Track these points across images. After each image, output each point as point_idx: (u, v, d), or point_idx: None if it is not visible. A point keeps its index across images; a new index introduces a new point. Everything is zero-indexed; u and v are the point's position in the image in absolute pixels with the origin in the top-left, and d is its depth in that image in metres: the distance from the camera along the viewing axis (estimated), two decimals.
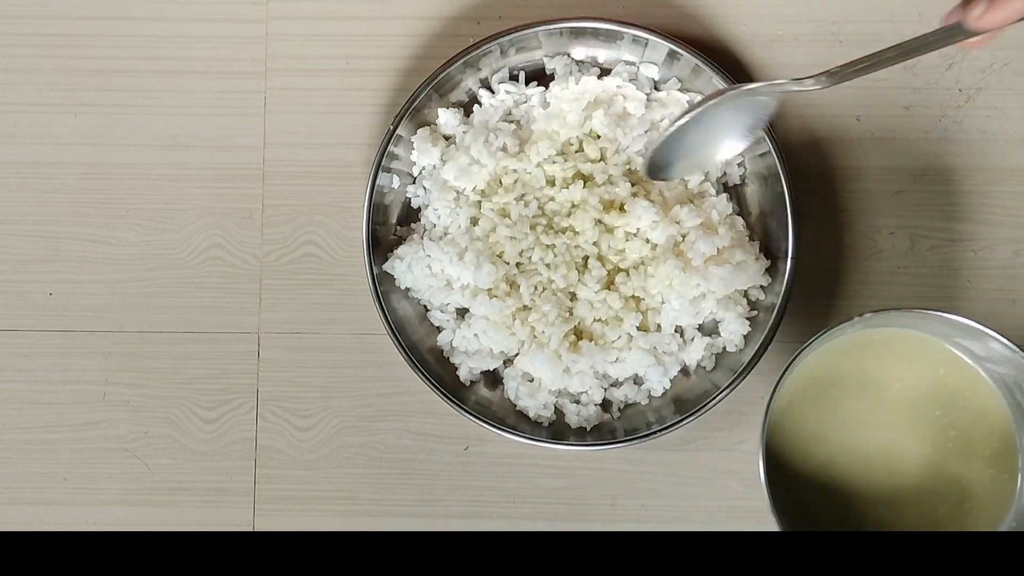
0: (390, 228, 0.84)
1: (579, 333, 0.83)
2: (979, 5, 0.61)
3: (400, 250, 0.83)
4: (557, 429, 0.83)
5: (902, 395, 0.77)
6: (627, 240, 0.82)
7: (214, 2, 0.87)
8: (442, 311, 0.84)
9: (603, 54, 0.84)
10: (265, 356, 0.86)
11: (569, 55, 0.84)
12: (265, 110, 0.86)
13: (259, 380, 0.86)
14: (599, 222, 0.82)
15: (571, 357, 0.81)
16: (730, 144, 0.73)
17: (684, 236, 0.81)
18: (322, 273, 0.86)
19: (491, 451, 0.85)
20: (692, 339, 0.83)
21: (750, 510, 0.84)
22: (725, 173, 0.84)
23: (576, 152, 0.83)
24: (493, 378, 0.84)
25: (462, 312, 0.84)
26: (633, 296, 0.82)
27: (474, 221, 0.83)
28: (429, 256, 0.82)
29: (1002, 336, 0.73)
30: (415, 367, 0.81)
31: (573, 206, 0.82)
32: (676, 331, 0.83)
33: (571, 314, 0.82)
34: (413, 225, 0.85)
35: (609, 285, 0.82)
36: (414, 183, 0.85)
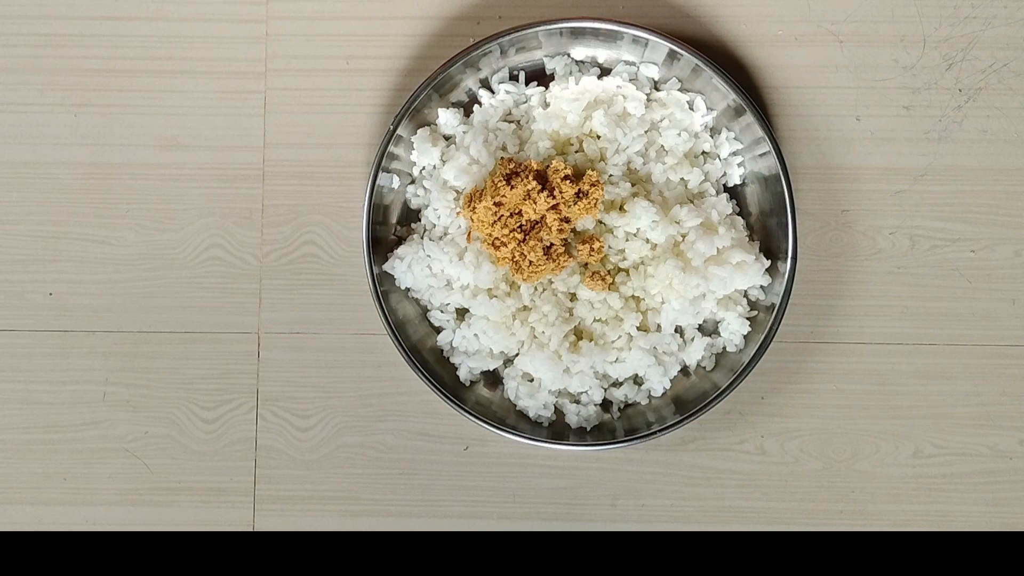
0: (390, 228, 0.84)
1: (579, 333, 0.83)
2: None
3: (400, 250, 0.83)
4: (557, 429, 0.83)
5: None
6: (627, 240, 0.82)
7: (214, 2, 0.87)
8: (442, 311, 0.84)
9: (603, 54, 0.84)
10: (265, 356, 0.86)
11: (569, 55, 0.84)
12: (265, 110, 0.86)
13: (259, 380, 0.86)
14: (599, 222, 0.82)
15: (571, 357, 0.81)
16: None
17: (684, 236, 0.81)
18: (322, 273, 0.86)
19: (491, 451, 0.85)
20: (692, 339, 0.83)
21: (750, 510, 0.84)
22: (725, 173, 0.84)
23: (576, 152, 0.83)
24: (493, 378, 0.84)
25: (462, 312, 0.84)
26: (633, 296, 0.82)
27: None
28: (429, 256, 0.82)
29: None
30: (415, 367, 0.81)
31: None
32: (676, 331, 0.83)
33: (571, 314, 0.82)
34: (413, 225, 0.85)
35: (609, 285, 0.82)
36: (414, 183, 0.85)
